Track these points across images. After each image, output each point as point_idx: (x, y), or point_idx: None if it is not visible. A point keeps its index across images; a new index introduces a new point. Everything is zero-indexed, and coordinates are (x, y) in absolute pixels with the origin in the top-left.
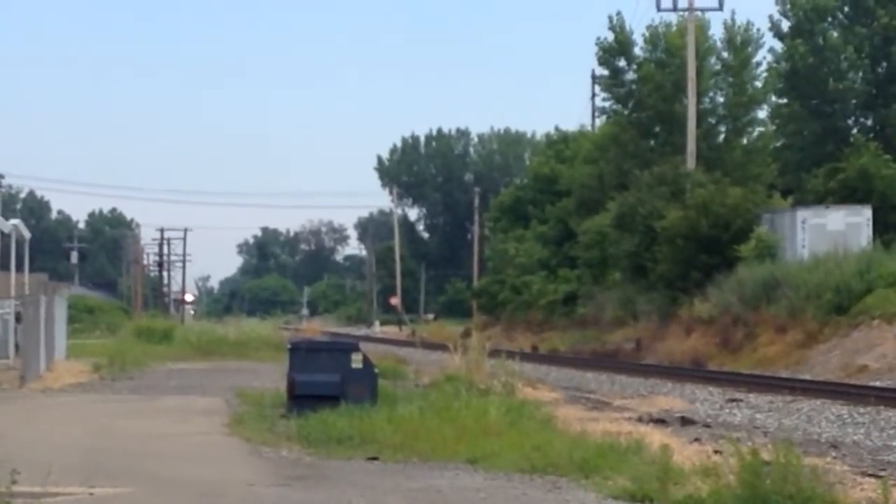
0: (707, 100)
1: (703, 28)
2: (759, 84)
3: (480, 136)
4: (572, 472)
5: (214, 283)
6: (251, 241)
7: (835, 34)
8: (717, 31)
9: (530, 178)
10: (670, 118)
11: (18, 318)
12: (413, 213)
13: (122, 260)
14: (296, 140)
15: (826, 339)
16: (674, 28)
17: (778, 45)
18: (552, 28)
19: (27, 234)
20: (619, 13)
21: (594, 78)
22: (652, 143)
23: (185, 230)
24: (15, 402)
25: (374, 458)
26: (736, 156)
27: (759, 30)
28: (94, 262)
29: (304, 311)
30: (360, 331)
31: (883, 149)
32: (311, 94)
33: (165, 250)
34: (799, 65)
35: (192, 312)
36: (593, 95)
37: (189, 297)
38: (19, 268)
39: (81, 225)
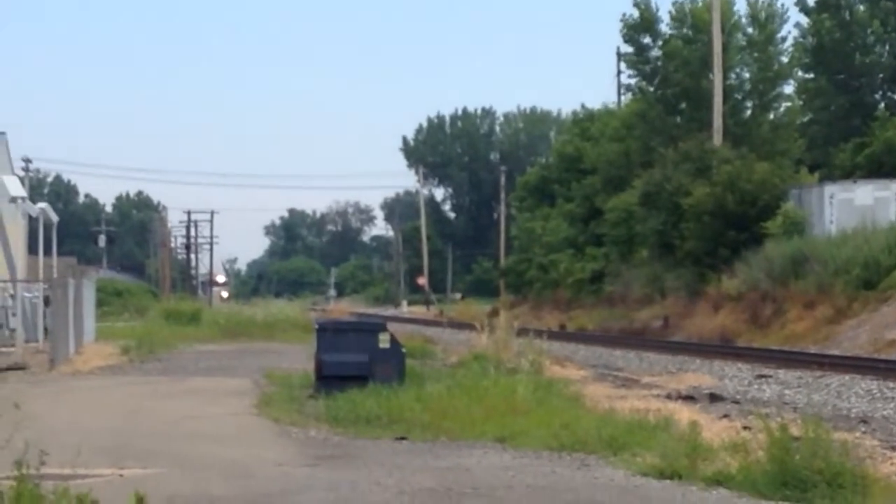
0: (733, 75)
1: (728, 3)
2: (785, 59)
3: (506, 116)
4: (601, 450)
5: (242, 265)
6: (278, 222)
7: (861, 8)
8: (742, 7)
9: (556, 157)
10: (696, 94)
11: (47, 302)
12: (439, 193)
13: (150, 243)
14: (321, 121)
15: (855, 314)
16: (700, 3)
17: (804, 20)
18: (576, 5)
19: (55, 218)
20: None
21: (619, 55)
22: (678, 119)
23: (212, 212)
24: (45, 385)
25: (403, 438)
26: (763, 131)
27: (783, 4)
28: (121, 246)
29: (332, 292)
30: (388, 311)
31: None
32: (337, 76)
33: (192, 233)
34: (825, 39)
35: (225, 295)
36: (619, 73)
37: (220, 279)
38: (47, 251)
39: (109, 208)
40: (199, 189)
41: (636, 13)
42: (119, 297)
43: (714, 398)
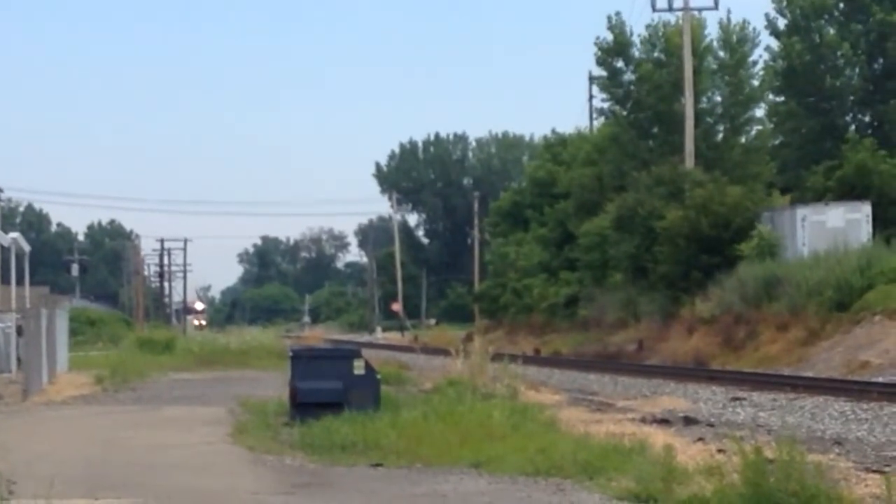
0: (705, 99)
1: (699, 27)
2: (756, 82)
3: (478, 141)
4: (576, 474)
5: (215, 293)
6: (251, 249)
7: (831, 31)
8: (714, 30)
9: (528, 182)
10: (669, 118)
11: (20, 332)
12: (413, 219)
13: (123, 271)
14: (294, 148)
15: (828, 336)
16: (672, 27)
17: (774, 43)
18: (547, 32)
19: (27, 248)
20: (618, 13)
21: (591, 79)
22: (650, 143)
23: (185, 240)
24: (18, 416)
25: (378, 465)
26: (734, 155)
27: (755, 28)
28: (94, 274)
29: (306, 319)
30: (363, 337)
31: (880, 145)
32: (309, 102)
33: (166, 261)
34: (795, 62)
35: (202, 323)
36: (591, 97)
37: (199, 306)
38: (20, 281)
39: (81, 237)
40: (171, 217)
41: (610, 36)
42: (92, 326)
43: (689, 421)
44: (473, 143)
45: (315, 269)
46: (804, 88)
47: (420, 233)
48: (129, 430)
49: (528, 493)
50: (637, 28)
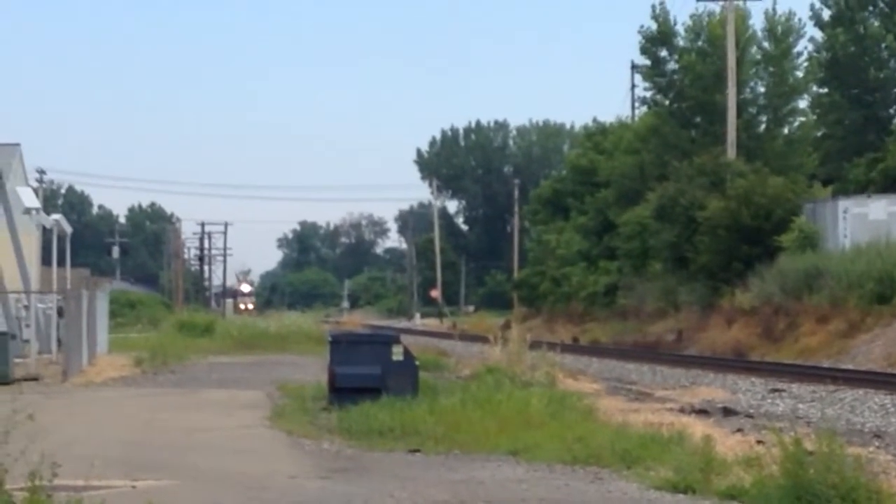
0: (748, 90)
1: (744, 18)
2: (799, 74)
3: (519, 129)
4: (614, 463)
5: (255, 277)
6: (291, 234)
7: (875, 23)
8: (758, 21)
9: (569, 170)
10: (711, 108)
11: (61, 313)
12: (452, 206)
13: (163, 254)
14: (335, 133)
15: (868, 328)
16: (716, 18)
17: (819, 35)
18: (589, 19)
19: (69, 229)
20: (662, 2)
21: (634, 68)
22: (692, 133)
23: (226, 224)
24: (58, 397)
25: (416, 451)
26: (777, 146)
27: (800, 19)
28: (135, 257)
29: (345, 304)
30: (401, 323)
31: None
32: (351, 88)
33: (206, 244)
34: (839, 54)
35: (251, 307)
36: (633, 86)
37: (245, 289)
38: (61, 263)
39: (122, 220)
40: (212, 200)
41: (654, 25)
42: (132, 309)
43: (727, 412)
44: (514, 131)
45: (354, 255)
46: (848, 80)
47: (460, 220)
48: (167, 413)
49: (566, 482)
50: (681, 17)
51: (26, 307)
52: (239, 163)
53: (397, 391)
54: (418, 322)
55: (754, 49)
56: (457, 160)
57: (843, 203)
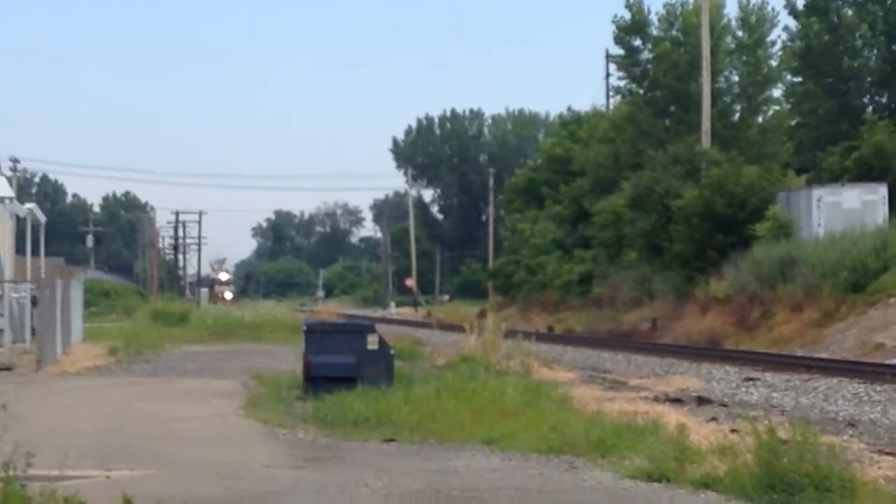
0: (722, 79)
1: (718, 7)
2: (773, 63)
3: (494, 118)
4: (589, 452)
5: (230, 266)
6: (266, 223)
7: (849, 12)
8: (732, 10)
9: (544, 159)
10: (685, 97)
11: (35, 303)
12: (428, 195)
13: (138, 243)
14: (310, 122)
15: (842, 317)
16: (690, 6)
17: (793, 24)
18: (564, 8)
19: (42, 218)
20: None
21: (608, 57)
22: (667, 122)
23: (200, 213)
24: (32, 387)
25: (391, 440)
26: (751, 134)
27: (773, 8)
28: (109, 246)
29: (320, 294)
30: (376, 312)
31: None
32: (326, 77)
33: (180, 233)
34: (814, 43)
35: (230, 296)
36: (607, 75)
37: (223, 277)
38: (35, 252)
39: (96, 208)
40: (186, 189)
41: (628, 15)
42: (107, 298)
43: (702, 401)
44: (489, 120)
45: (329, 244)
46: (822, 69)
47: (435, 209)
48: (142, 402)
49: (541, 471)
50: (655, 6)
51: (0, 296)
52: (214, 152)
53: (372, 381)
54: (393, 311)
55: (728, 38)
56: (432, 149)
57: (818, 192)
